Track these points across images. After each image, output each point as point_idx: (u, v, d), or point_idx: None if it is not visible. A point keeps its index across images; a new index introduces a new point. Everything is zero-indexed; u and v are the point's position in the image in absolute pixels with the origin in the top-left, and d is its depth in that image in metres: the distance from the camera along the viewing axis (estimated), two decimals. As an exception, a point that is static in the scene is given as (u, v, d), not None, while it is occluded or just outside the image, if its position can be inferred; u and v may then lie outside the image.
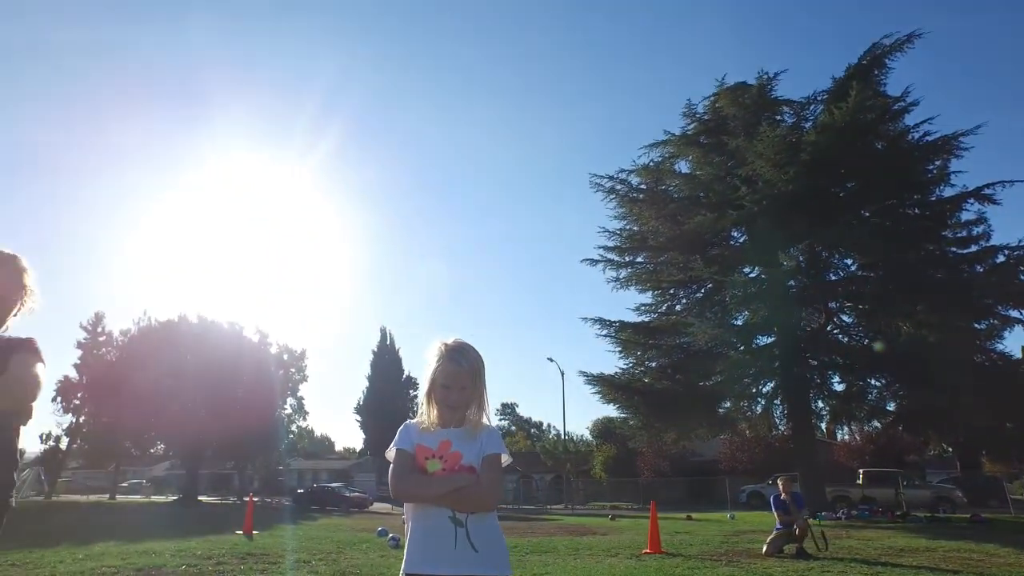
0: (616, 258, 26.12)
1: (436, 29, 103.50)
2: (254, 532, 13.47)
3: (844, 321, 24.54)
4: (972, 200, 21.50)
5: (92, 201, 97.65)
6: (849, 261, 23.91)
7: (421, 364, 2.08)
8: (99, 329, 39.00)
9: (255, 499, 18.82)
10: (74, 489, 48.63)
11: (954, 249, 22.52)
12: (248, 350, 36.00)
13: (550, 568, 8.66)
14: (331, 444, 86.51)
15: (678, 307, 25.80)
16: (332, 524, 18.74)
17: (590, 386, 24.46)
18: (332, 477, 47.64)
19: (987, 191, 21.23)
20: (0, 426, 1.86)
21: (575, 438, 62.47)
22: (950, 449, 42.01)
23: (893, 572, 8.32)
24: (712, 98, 25.74)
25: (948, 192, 21.98)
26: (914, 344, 20.62)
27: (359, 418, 62.89)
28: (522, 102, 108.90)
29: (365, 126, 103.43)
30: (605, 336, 25.24)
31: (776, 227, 21.78)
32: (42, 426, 40.00)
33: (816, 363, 23.21)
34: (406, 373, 62.26)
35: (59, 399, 37.81)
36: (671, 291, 25.82)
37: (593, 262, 26.02)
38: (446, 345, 2.03)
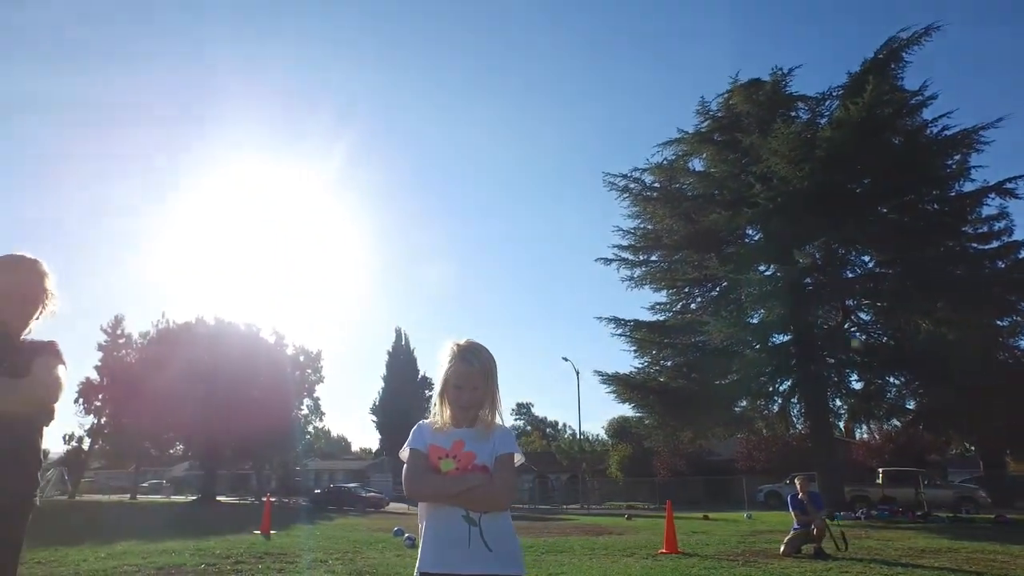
0: (630, 257, 26.03)
1: (439, 31, 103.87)
2: (272, 532, 13.60)
3: (862, 319, 24.27)
4: (993, 195, 21.16)
5: (111, 206, 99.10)
6: (866, 258, 23.65)
7: (436, 364, 2.09)
8: (119, 332, 39.67)
9: (272, 499, 19.02)
10: (96, 489, 49.44)
11: (975, 245, 22.16)
12: (264, 351, 36.37)
13: (566, 568, 8.65)
14: (347, 444, 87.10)
15: (693, 306, 25.66)
16: (349, 524, 18.86)
17: (605, 385, 24.41)
18: (348, 477, 47.94)
19: (1009, 185, 20.88)
20: (24, 427, 1.90)
21: (591, 437, 62.48)
22: (972, 448, 41.31)
23: (914, 573, 8.21)
24: (726, 95, 25.57)
25: (968, 187, 21.69)
26: (933, 342, 20.34)
27: (375, 418, 63.28)
28: (522, 101, 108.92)
29: (375, 128, 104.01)
30: (620, 335, 25.18)
31: (791, 224, 21.59)
32: (65, 427, 40.78)
33: (833, 361, 22.97)
34: (421, 373, 62.50)
35: (81, 400, 38.53)
36: (686, 290, 25.67)
37: (607, 261, 25.97)
38: (458, 345, 2.05)
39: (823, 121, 23.32)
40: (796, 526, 10.10)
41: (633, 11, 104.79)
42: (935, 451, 37.84)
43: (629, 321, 25.23)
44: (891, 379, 22.85)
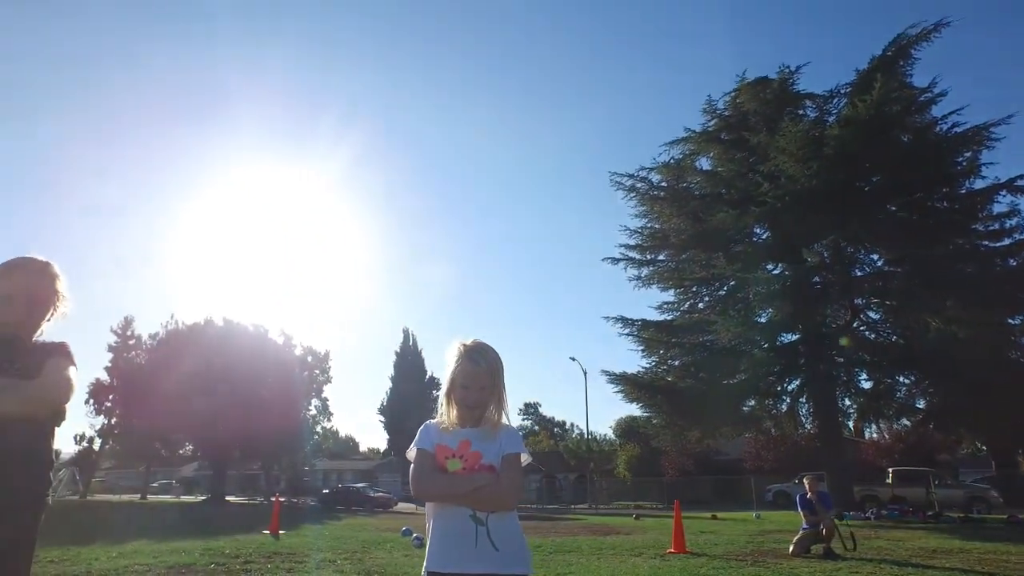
0: (638, 256, 25.99)
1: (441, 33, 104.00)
2: (280, 532, 13.65)
3: (871, 317, 24.13)
4: (1004, 192, 21.00)
5: (121, 208, 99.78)
6: (875, 256, 23.53)
7: (443, 365, 2.10)
8: (129, 333, 39.88)
9: (281, 499, 19.08)
10: (107, 489, 49.82)
11: (986, 243, 22.00)
12: (273, 352, 36.50)
13: (573, 567, 8.64)
14: (355, 445, 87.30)
15: (701, 305, 25.58)
16: (357, 524, 18.91)
17: (613, 385, 24.39)
18: (357, 477, 48.07)
19: (1020, 182, 20.72)
20: (36, 427, 1.93)
21: (598, 437, 62.39)
22: (984, 448, 40.98)
23: (925, 574, 8.16)
24: (733, 94, 25.48)
25: (979, 184, 21.52)
26: (943, 340, 20.19)
27: (383, 419, 63.35)
28: (525, 102, 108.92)
29: (379, 130, 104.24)
30: (627, 335, 25.14)
31: (799, 223, 21.48)
32: (76, 427, 41.08)
33: (842, 360, 22.84)
34: (429, 374, 62.51)
35: (91, 401, 38.78)
36: (693, 289, 25.60)
37: (615, 260, 25.94)
38: (465, 346, 2.06)
39: (831, 119, 23.20)
40: (805, 526, 10.06)
41: (635, 10, 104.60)
42: (946, 450, 37.56)
43: (636, 321, 25.21)
44: (901, 378, 22.72)
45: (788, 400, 24.13)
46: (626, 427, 47.95)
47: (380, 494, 34.60)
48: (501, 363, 2.07)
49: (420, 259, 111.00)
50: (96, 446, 42.28)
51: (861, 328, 23.79)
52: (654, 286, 25.89)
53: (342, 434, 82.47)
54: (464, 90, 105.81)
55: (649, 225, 26.23)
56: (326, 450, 62.02)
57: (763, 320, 23.84)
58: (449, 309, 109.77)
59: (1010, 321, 21.19)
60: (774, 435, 34.65)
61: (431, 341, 68.36)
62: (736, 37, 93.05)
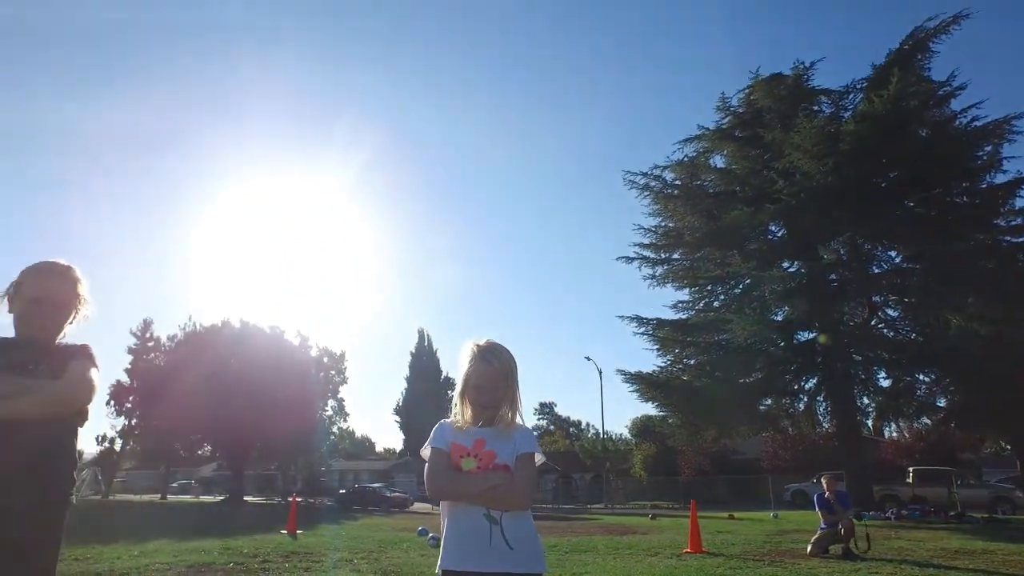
0: (652, 255, 25.86)
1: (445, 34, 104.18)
2: (298, 531, 13.78)
3: (889, 315, 23.82)
4: (1026, 186, 20.63)
5: (139, 212, 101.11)
6: (893, 253, 23.21)
7: (458, 365, 2.12)
8: (148, 335, 40.45)
9: (298, 499, 19.25)
10: (128, 489, 50.56)
11: (1007, 238, 21.66)
12: (289, 353, 36.79)
13: (589, 567, 8.63)
14: (371, 445, 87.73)
15: (716, 303, 25.39)
16: (373, 524, 19.03)
17: (628, 384, 24.28)
18: (373, 478, 48.31)
19: (1043, 176, 20.35)
20: (61, 428, 1.97)
21: (614, 437, 62.04)
22: (1008, 447, 40.26)
23: (947, 575, 8.04)
24: (747, 90, 25.27)
25: (1000, 179, 21.20)
26: (964, 338, 19.87)
27: (398, 419, 63.68)
28: (524, 101, 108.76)
29: (394, 131, 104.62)
30: (642, 334, 25.03)
31: (815, 220, 21.27)
32: (97, 428, 41.70)
33: (860, 358, 22.57)
34: (444, 374, 62.75)
35: (112, 403, 39.36)
36: (708, 287, 25.42)
37: (629, 260, 25.83)
38: (478, 346, 2.07)
39: (847, 115, 22.93)
40: (823, 526, 9.97)
41: (645, 4, 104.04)
42: (968, 449, 36.93)
43: (651, 320, 25.10)
44: (920, 376, 22.41)
45: (805, 399, 23.90)
46: (642, 426, 47.69)
47: (396, 494, 34.74)
48: (515, 363, 2.08)
49: (435, 260, 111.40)
50: (117, 447, 42.90)
51: (879, 325, 23.50)
52: (669, 285, 25.77)
53: (358, 434, 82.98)
54: (470, 92, 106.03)
55: (663, 224, 26.10)
56: (342, 450, 62.48)
57: (779, 318, 23.63)
58: (464, 309, 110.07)
59: (1032, 317, 20.80)
60: (791, 434, 34.30)
61: (446, 341, 68.60)
62: (748, 34, 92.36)
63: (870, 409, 23.79)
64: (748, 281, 23.71)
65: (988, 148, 21.26)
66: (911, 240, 21.34)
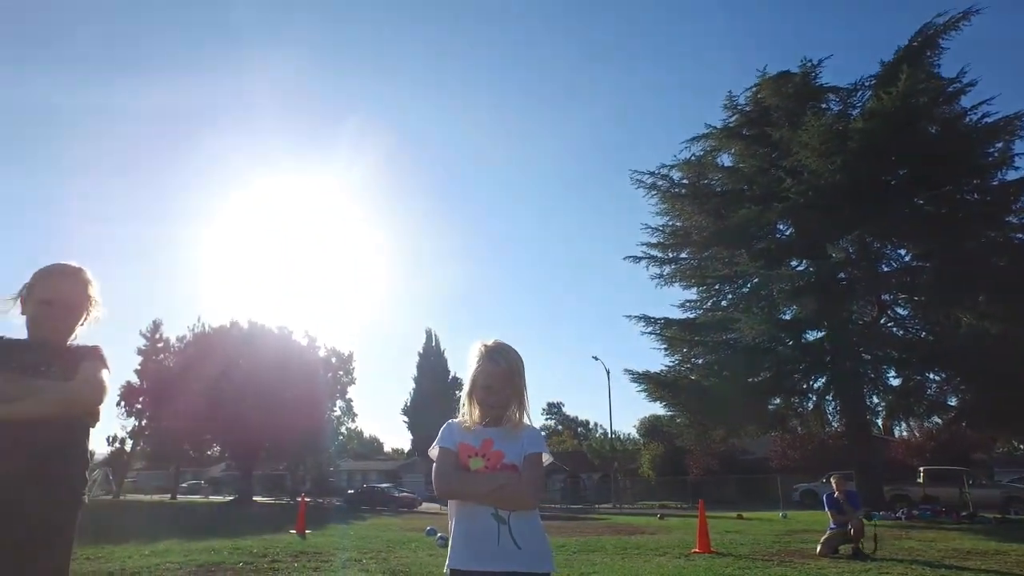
0: (659, 254, 25.80)
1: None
2: (307, 531, 13.83)
3: (899, 313, 23.66)
4: (1039, 183, 20.44)
5: (149, 217, 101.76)
6: (903, 251, 23.05)
7: (465, 365, 2.13)
8: (157, 336, 40.68)
9: (307, 499, 19.30)
10: (138, 489, 50.88)
11: (1020, 235, 21.46)
12: (297, 353, 36.92)
13: (598, 567, 8.63)
14: (380, 445, 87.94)
15: (724, 303, 25.30)
16: (382, 524, 19.08)
17: (636, 384, 24.24)
18: (381, 478, 48.49)
19: (1055, 173, 20.16)
20: (73, 428, 1.99)
21: (622, 437, 61.87)
22: (1022, 446, 39.93)
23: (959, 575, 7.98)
24: (754, 89, 25.18)
25: (1011, 175, 21.02)
26: (975, 336, 19.72)
27: (406, 419, 63.75)
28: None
29: (401, 132, 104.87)
30: (650, 333, 24.96)
31: (824, 218, 21.15)
32: (108, 429, 42.01)
33: (870, 357, 22.42)
34: (452, 374, 62.72)
35: (122, 403, 39.60)
36: (716, 286, 25.33)
37: (636, 259, 25.79)
38: (486, 346, 2.08)
39: (855, 112, 22.79)
40: (833, 526, 9.92)
41: (647, 3, 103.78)
42: (980, 449, 36.60)
43: (659, 319, 25.02)
44: (931, 375, 22.23)
45: (814, 398, 23.76)
46: (650, 426, 47.54)
47: (405, 494, 34.84)
48: (522, 363, 2.09)
49: (442, 260, 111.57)
50: (128, 447, 43.20)
51: (889, 324, 23.34)
52: (676, 284, 25.70)
53: (366, 435, 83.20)
54: (477, 92, 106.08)
55: (671, 223, 26.03)
56: (351, 451, 62.65)
57: (787, 317, 23.51)
58: (472, 309, 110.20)
59: (1046, 315, 20.60)
60: (800, 433, 34.11)
61: (454, 342, 68.67)
62: (754, 32, 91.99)
63: (880, 408, 23.63)
64: (756, 280, 23.61)
65: (999, 145, 21.10)
66: (921, 238, 21.19)
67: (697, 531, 10.93)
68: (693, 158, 25.81)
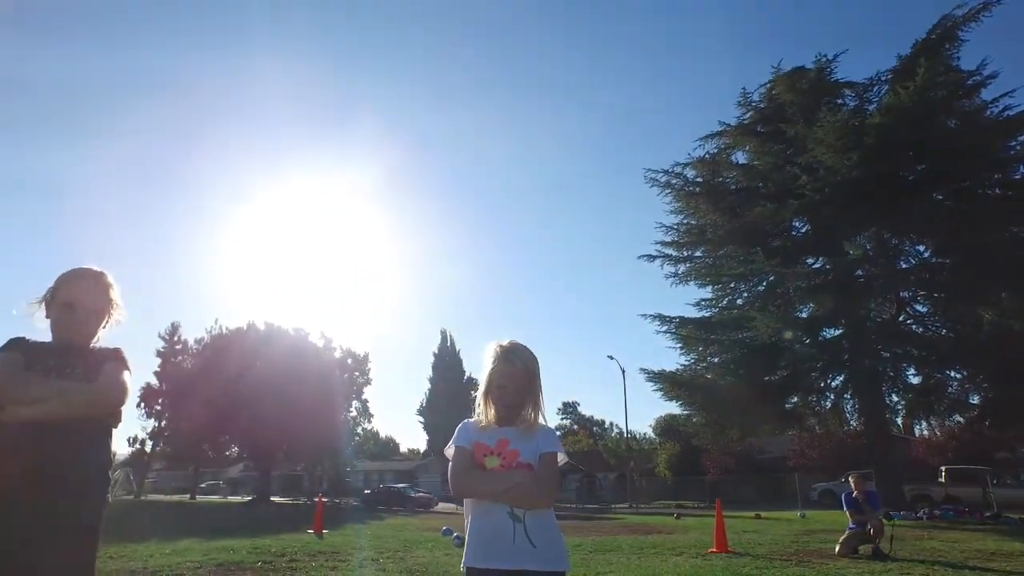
0: (674, 253, 25.69)
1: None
2: (324, 531, 13.93)
3: (918, 310, 23.34)
4: (1062, 176, 20.09)
5: (167, 221, 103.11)
6: (921, 247, 22.74)
7: (481, 365, 2.14)
8: (176, 338, 41.20)
9: (324, 500, 19.44)
10: (158, 489, 51.62)
11: (1043, 230, 21.06)
12: (313, 354, 37.20)
13: (614, 566, 8.60)
14: (396, 446, 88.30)
15: (739, 301, 25.12)
16: (398, 523, 19.15)
17: (651, 383, 24.15)
18: (397, 478, 48.66)
19: (1079, 166, 19.78)
20: (97, 428, 2.04)
21: (638, 436, 61.71)
22: (1048, 445, 39.08)
23: None
24: (768, 85, 24.94)
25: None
26: (998, 333, 19.39)
27: (422, 420, 64.02)
28: (528, 101, 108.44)
29: (415, 131, 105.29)
30: (665, 332, 24.85)
31: (840, 215, 20.91)
32: (129, 430, 42.66)
33: (888, 355, 22.14)
34: (467, 374, 62.89)
35: (143, 405, 40.19)
36: (732, 285, 25.15)
37: (651, 258, 25.70)
38: (501, 346, 2.09)
39: (872, 107, 22.52)
40: (851, 525, 9.80)
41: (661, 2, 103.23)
42: (1004, 448, 35.97)
43: (674, 318, 24.89)
44: (952, 373, 21.92)
45: (832, 396, 23.55)
46: (666, 425, 47.35)
47: (421, 494, 34.94)
48: (537, 363, 2.10)
49: (457, 260, 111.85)
50: (148, 448, 43.81)
51: (908, 321, 23.04)
52: (691, 283, 25.57)
53: (382, 435, 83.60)
54: (470, 92, 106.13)
55: (685, 221, 25.90)
56: (367, 451, 62.98)
57: (804, 315, 23.28)
58: (487, 309, 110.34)
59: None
60: (818, 432, 33.78)
61: (469, 342, 68.82)
62: (769, 27, 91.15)
63: (899, 407, 23.37)
64: (772, 278, 23.42)
65: (1021, 138, 20.75)
66: (940, 234, 20.89)
67: (714, 531, 10.86)
68: (707, 156, 25.66)
